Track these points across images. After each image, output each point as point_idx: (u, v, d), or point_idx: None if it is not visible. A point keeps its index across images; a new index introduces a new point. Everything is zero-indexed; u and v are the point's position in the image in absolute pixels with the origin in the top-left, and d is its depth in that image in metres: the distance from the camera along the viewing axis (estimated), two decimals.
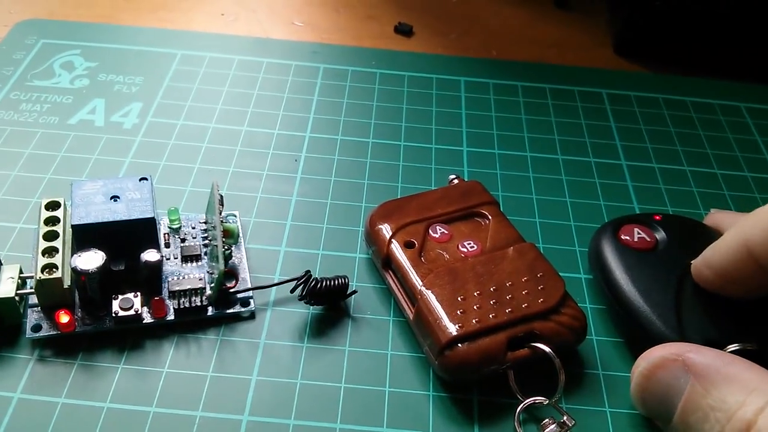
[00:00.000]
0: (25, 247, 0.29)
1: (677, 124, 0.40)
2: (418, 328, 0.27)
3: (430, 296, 0.26)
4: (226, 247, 0.27)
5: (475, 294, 0.27)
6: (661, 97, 0.42)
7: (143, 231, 0.27)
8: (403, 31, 0.46)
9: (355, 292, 0.29)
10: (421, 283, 0.27)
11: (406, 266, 0.28)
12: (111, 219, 0.26)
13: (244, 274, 0.29)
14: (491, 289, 0.27)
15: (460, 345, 0.25)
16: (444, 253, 0.29)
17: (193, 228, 0.30)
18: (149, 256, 0.27)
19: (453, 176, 0.33)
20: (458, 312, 0.26)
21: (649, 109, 0.41)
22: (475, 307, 0.26)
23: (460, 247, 0.29)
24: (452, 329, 0.25)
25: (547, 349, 0.26)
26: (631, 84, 0.43)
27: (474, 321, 0.26)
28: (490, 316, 0.26)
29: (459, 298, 0.26)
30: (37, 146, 0.34)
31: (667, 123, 0.40)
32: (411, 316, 0.27)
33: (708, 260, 0.26)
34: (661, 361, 0.21)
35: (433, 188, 0.34)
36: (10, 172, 0.33)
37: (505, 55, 0.45)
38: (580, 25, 0.49)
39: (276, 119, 0.37)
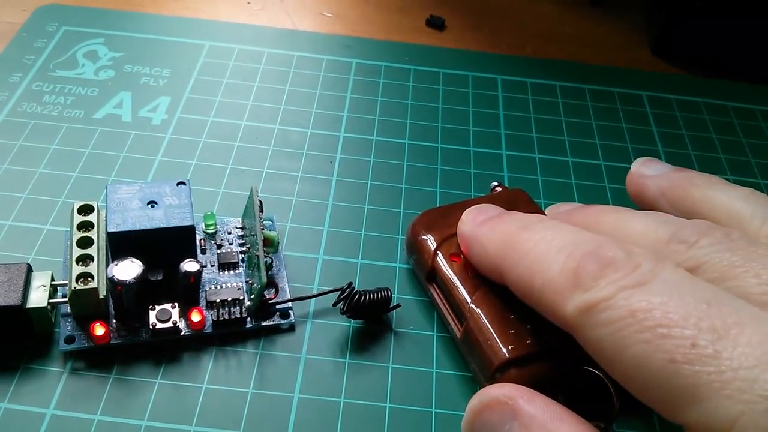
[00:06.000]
0: (54, 251, 0.28)
1: (719, 131, 0.39)
2: (466, 347, 0.26)
3: (480, 314, 0.25)
4: (266, 257, 0.26)
5: (528, 313, 0.25)
6: (702, 101, 0.41)
7: (182, 239, 0.26)
8: (435, 24, 0.44)
9: (398, 306, 0.28)
10: (469, 300, 0.26)
11: (453, 281, 0.27)
12: (149, 226, 0.25)
13: (283, 283, 0.28)
14: None
15: (512, 368, 0.24)
16: None
17: (229, 233, 0.29)
18: (189, 266, 0.25)
19: (495, 183, 0.31)
20: (510, 332, 0.25)
21: (690, 114, 0.40)
22: (527, 327, 0.25)
23: None
24: (504, 351, 0.24)
25: (600, 374, 0.25)
26: (672, 87, 0.41)
27: (527, 342, 0.25)
28: (544, 337, 0.25)
29: (510, 317, 0.25)
30: (62, 142, 0.33)
31: (709, 129, 0.39)
32: (458, 334, 0.26)
33: (472, 248, 0.26)
34: (491, 402, 0.20)
35: (473, 194, 0.33)
36: (35, 169, 0.32)
37: (540, 53, 0.43)
38: (615, 24, 0.47)
39: (309, 117, 0.36)
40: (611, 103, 0.40)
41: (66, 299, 0.25)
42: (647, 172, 0.26)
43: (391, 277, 0.29)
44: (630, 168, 0.27)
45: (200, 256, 0.28)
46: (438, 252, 0.28)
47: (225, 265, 0.28)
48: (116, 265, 0.25)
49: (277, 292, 0.27)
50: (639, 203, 0.26)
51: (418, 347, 0.27)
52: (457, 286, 0.27)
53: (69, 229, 0.27)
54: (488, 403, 0.20)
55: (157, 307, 0.25)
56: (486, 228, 0.25)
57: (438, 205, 0.31)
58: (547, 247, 0.22)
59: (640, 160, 0.27)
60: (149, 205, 0.26)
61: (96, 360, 0.25)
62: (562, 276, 0.20)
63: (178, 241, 0.26)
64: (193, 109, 0.36)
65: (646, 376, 0.17)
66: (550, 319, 0.22)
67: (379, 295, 0.27)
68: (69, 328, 0.25)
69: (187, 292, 0.26)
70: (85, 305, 0.25)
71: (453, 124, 0.37)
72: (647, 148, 0.37)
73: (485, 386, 0.25)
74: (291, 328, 0.27)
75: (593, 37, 0.46)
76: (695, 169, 0.35)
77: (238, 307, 0.26)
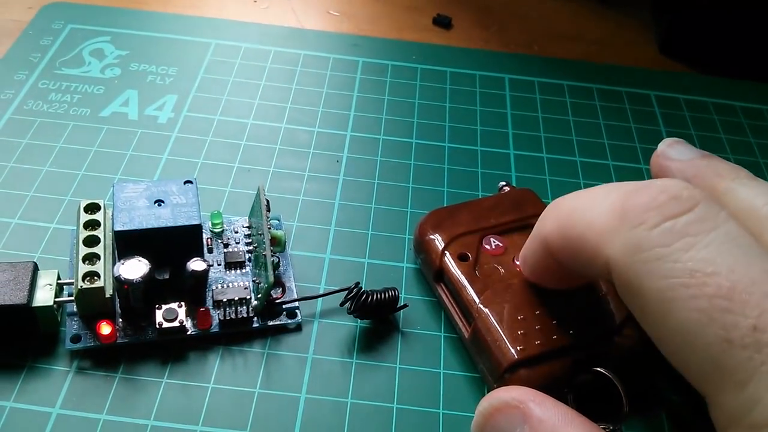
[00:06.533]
0: (60, 249, 0.28)
1: (727, 131, 0.39)
2: (474, 347, 0.26)
3: (489, 314, 0.25)
4: (273, 256, 0.26)
5: (536, 313, 0.25)
6: (710, 101, 0.40)
7: (189, 238, 0.26)
8: (442, 23, 0.44)
9: (405, 306, 0.28)
10: (478, 300, 0.26)
11: (461, 281, 0.27)
12: (156, 225, 0.25)
13: (290, 283, 0.28)
14: (552, 308, 0.25)
15: (521, 369, 0.24)
16: (499, 267, 0.27)
17: (236, 232, 0.29)
18: (196, 265, 0.25)
19: (503, 183, 0.31)
20: (519, 333, 0.25)
21: (699, 114, 0.39)
22: (536, 328, 0.25)
23: (515, 260, 0.28)
24: (513, 352, 0.24)
25: (609, 374, 0.24)
26: (680, 86, 0.41)
27: (536, 343, 0.24)
28: (553, 337, 0.25)
29: (519, 317, 0.25)
30: (68, 140, 0.33)
31: (718, 129, 0.39)
32: (466, 335, 0.26)
33: (522, 253, 0.25)
34: (501, 405, 0.19)
35: (480, 194, 0.33)
36: (41, 167, 0.31)
37: (546, 52, 0.43)
38: (622, 22, 0.47)
39: (316, 116, 0.36)
40: (619, 103, 0.39)
41: (72, 298, 0.25)
42: (672, 155, 0.24)
43: (399, 276, 0.29)
44: (655, 150, 0.25)
45: (207, 255, 0.28)
46: (446, 252, 0.27)
47: (232, 264, 0.28)
48: (123, 263, 0.24)
49: (284, 291, 0.27)
50: None
51: (426, 347, 0.27)
52: (465, 287, 0.26)
53: (75, 227, 0.27)
54: (498, 406, 0.20)
55: (164, 306, 0.25)
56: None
57: (445, 205, 0.30)
58: (592, 194, 0.20)
59: (667, 140, 0.25)
60: (156, 204, 0.26)
61: (102, 359, 0.25)
62: (607, 214, 0.18)
63: (185, 240, 0.26)
64: (199, 107, 0.35)
65: (691, 346, 0.16)
66: (590, 272, 0.20)
67: (387, 295, 0.27)
68: (75, 326, 0.25)
69: (194, 291, 0.26)
70: (91, 304, 0.25)
71: (460, 123, 0.37)
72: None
73: (494, 388, 0.24)
74: (298, 327, 0.27)
75: (600, 35, 0.46)
76: None
77: (244, 307, 0.26)
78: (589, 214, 0.19)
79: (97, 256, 0.25)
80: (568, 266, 0.22)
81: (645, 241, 0.17)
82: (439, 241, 0.28)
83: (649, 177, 0.26)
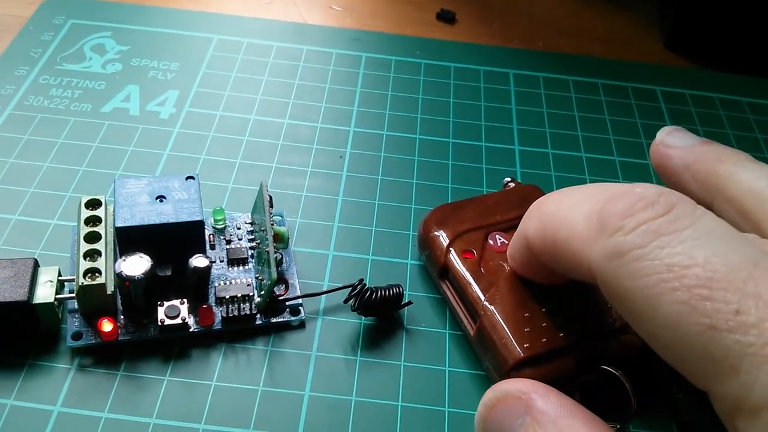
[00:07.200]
0: (61, 245, 0.28)
1: (734, 126, 0.38)
2: (480, 345, 0.25)
3: (494, 312, 0.25)
4: (276, 253, 0.26)
5: (542, 311, 0.25)
6: (716, 96, 0.40)
7: (191, 234, 0.25)
8: (446, 18, 0.44)
9: (410, 303, 0.27)
10: (483, 298, 0.25)
11: (466, 278, 0.26)
12: (157, 221, 0.25)
13: (293, 280, 0.27)
14: (557, 305, 0.25)
15: (527, 367, 0.24)
16: (504, 264, 0.27)
17: (239, 228, 0.29)
18: (198, 261, 0.25)
19: (508, 179, 0.31)
20: (524, 330, 0.24)
21: (705, 109, 0.39)
22: (542, 325, 0.24)
23: None
24: (519, 350, 0.24)
25: (617, 372, 0.24)
26: (686, 81, 0.41)
27: (542, 341, 0.24)
28: (559, 335, 0.24)
29: (525, 315, 0.25)
30: (69, 136, 0.33)
31: (724, 125, 0.38)
32: (472, 332, 0.26)
33: (509, 249, 0.25)
34: (505, 396, 0.20)
35: (485, 190, 0.33)
36: (42, 163, 0.31)
37: (551, 47, 0.43)
38: (626, 17, 0.47)
39: (319, 112, 0.36)
40: (625, 98, 0.39)
41: (73, 295, 0.25)
42: (672, 143, 0.24)
43: (403, 273, 0.29)
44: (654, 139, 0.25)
45: (209, 252, 0.28)
46: (450, 248, 0.27)
47: (234, 261, 0.28)
48: (124, 260, 0.24)
49: (287, 288, 0.27)
50: (661, 174, 0.25)
51: (431, 345, 0.27)
52: (470, 284, 0.26)
53: (76, 223, 0.26)
54: (502, 397, 0.19)
55: (166, 303, 0.25)
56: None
57: (450, 201, 0.30)
58: (573, 198, 0.20)
59: (666, 129, 0.25)
60: (158, 200, 0.26)
61: (103, 357, 0.25)
62: (586, 220, 0.19)
63: (187, 236, 0.25)
64: (201, 103, 0.35)
65: (680, 339, 0.16)
66: (575, 276, 0.20)
67: (391, 292, 0.27)
68: (76, 324, 0.25)
69: (196, 288, 0.26)
70: (92, 301, 0.25)
71: (464, 119, 0.36)
72: None
73: (502, 382, 0.24)
74: (301, 325, 0.27)
75: (605, 30, 0.45)
76: None
77: (247, 304, 0.26)
78: (569, 220, 0.20)
79: (98, 253, 0.25)
80: (552, 268, 0.22)
81: (622, 245, 0.18)
82: (443, 237, 0.28)
83: (655, 172, 0.26)
